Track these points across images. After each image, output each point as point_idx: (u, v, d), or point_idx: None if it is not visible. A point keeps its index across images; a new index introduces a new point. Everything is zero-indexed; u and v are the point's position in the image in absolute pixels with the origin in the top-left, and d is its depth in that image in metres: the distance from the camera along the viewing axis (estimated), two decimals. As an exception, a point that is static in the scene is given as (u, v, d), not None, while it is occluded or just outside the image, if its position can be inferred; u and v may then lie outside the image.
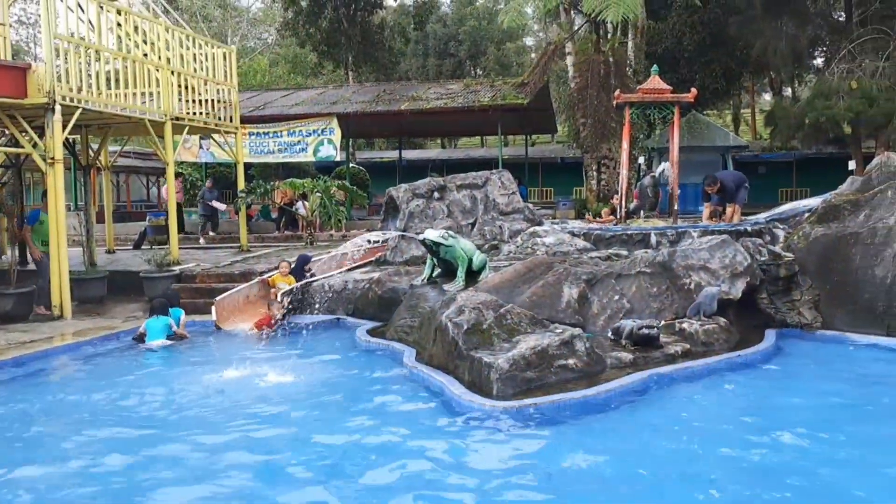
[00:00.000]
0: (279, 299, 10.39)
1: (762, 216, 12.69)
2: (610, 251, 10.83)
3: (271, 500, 4.60)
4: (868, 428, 5.86)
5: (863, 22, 22.74)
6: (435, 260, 9.89)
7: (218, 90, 15.73)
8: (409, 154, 38.74)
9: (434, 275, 10.05)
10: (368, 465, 5.12)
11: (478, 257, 9.86)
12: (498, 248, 11.82)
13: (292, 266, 11.52)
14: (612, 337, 8.19)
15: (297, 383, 7.51)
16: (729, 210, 12.73)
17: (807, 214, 11.38)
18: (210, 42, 15.84)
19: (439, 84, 26.58)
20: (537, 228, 11.75)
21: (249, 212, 18.82)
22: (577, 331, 7.50)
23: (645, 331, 7.81)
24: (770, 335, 8.93)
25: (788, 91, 38.97)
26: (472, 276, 9.78)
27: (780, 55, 23.78)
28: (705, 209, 13.16)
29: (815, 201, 12.01)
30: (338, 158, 22.73)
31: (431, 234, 9.55)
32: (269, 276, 11.46)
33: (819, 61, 28.67)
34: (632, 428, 5.82)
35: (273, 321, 9.92)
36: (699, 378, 7.26)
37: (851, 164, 22.93)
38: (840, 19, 25.82)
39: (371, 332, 9.48)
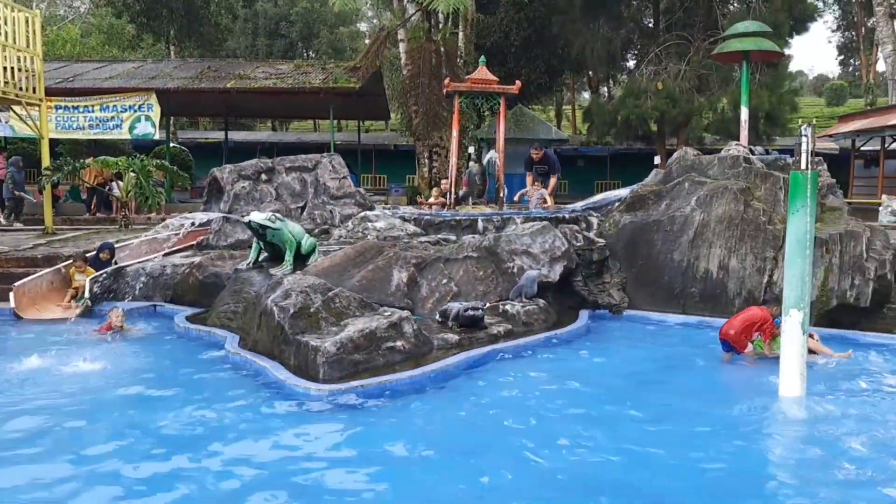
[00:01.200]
0: (86, 296, 9.58)
1: (579, 205, 13.48)
2: (439, 236, 11.03)
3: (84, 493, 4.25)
4: (660, 392, 6.50)
5: (668, 28, 24.84)
6: (261, 244, 9.56)
7: (19, 57, 14.14)
8: (237, 135, 37.17)
9: (260, 259, 9.71)
10: (187, 452, 4.85)
11: (307, 241, 9.65)
12: (328, 232, 11.65)
13: (90, 256, 10.64)
14: (440, 319, 8.36)
15: (106, 372, 6.96)
16: (553, 181, 13.55)
17: (617, 203, 12.23)
18: (9, 4, 14.18)
19: (268, 64, 25.68)
20: (368, 213, 11.71)
21: (56, 192, 17.12)
22: (406, 313, 7.57)
23: (471, 313, 8.05)
24: (583, 315, 9.55)
25: (605, 90, 41.82)
26: (301, 260, 9.56)
27: (596, 55, 25.39)
28: (528, 177, 13.77)
29: (624, 192, 12.94)
30: (157, 137, 21.30)
31: (257, 217, 9.21)
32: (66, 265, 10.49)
33: (631, 63, 30.94)
34: (456, 405, 5.98)
35: (113, 328, 8.83)
36: (520, 356, 7.61)
37: (657, 159, 25.03)
38: (650, 25, 28.01)
39: (191, 319, 8.99)
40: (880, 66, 35.26)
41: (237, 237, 11.54)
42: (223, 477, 4.51)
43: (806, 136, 5.89)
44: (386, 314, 7.45)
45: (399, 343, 7.07)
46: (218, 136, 34.92)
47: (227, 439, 5.13)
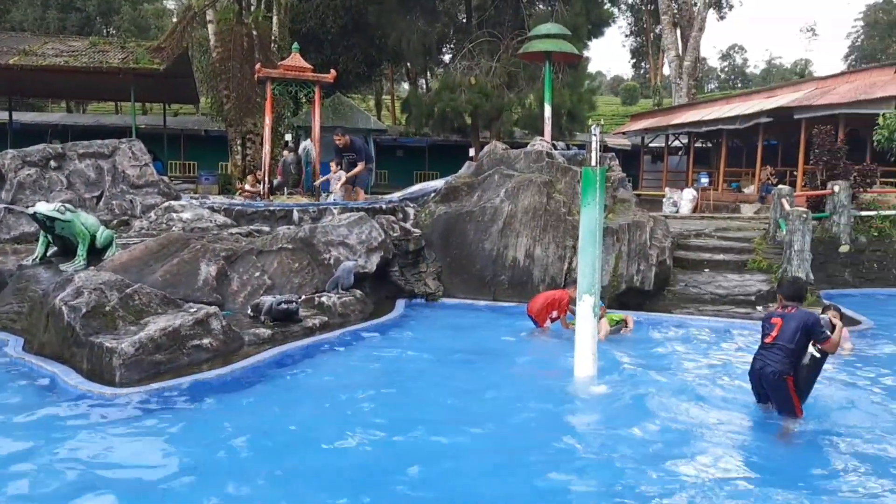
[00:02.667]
0: None
1: (396, 195, 13.66)
2: (251, 227, 10.66)
3: None
4: (468, 376, 6.78)
5: (480, 25, 25.70)
6: (49, 237, 8.70)
7: None
8: (24, 116, 33.38)
9: (49, 254, 8.85)
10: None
11: (102, 233, 8.92)
12: (128, 223, 10.85)
13: None
14: (252, 314, 8.11)
15: None
16: (359, 167, 13.04)
17: (433, 195, 12.53)
18: None
19: (60, 40, 23.35)
20: (173, 203, 11.05)
21: None
22: (214, 309, 7.26)
23: (284, 306, 7.88)
24: (400, 304, 9.72)
25: (423, 82, 42.52)
26: (96, 254, 8.82)
27: (412, 47, 25.72)
28: (332, 165, 13.30)
29: (439, 183, 13.28)
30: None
31: (44, 208, 8.37)
32: None
33: (447, 57, 31.68)
34: (267, 402, 5.84)
35: None
36: (335, 348, 7.58)
37: (471, 151, 25.89)
38: (464, 21, 28.83)
39: (-36, 323, 8.00)
40: (666, 70, 38.99)
41: (22, 230, 10.40)
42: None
43: (595, 135, 6.36)
44: (192, 311, 7.09)
45: (206, 341, 6.77)
46: (1, 116, 31.22)
47: (8, 454, 4.63)
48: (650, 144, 30.58)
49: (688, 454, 4.88)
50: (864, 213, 13.16)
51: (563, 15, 22.86)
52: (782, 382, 5.34)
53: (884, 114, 14.41)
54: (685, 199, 22.25)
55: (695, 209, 21.86)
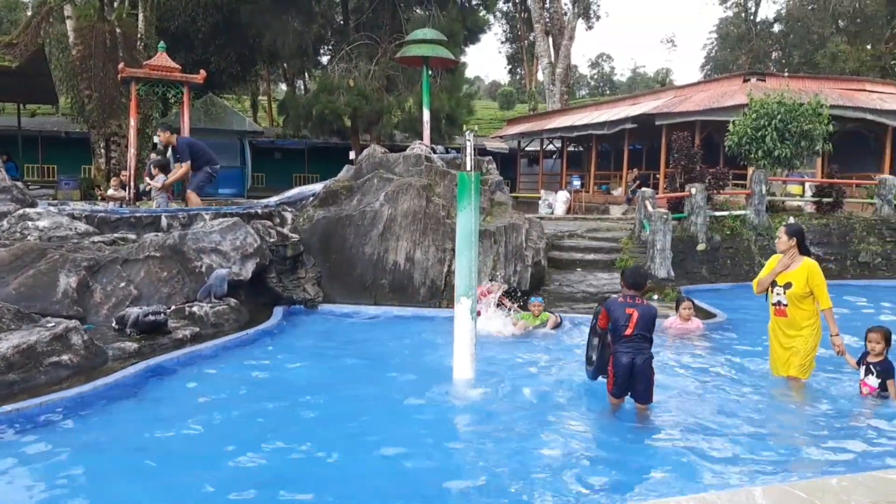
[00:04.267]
0: None
1: (273, 199, 13.35)
2: (116, 235, 10.09)
3: None
4: (349, 381, 6.74)
5: (358, 28, 25.64)
6: None
7: None
8: None
9: None
10: None
11: (-56, 245, 8.17)
12: (-24, 233, 9.98)
13: None
14: (117, 326, 7.67)
15: None
16: (181, 170, 11.86)
17: (311, 198, 12.35)
18: None
19: None
20: (29, 210, 10.27)
21: None
22: (74, 323, 6.81)
23: (151, 317, 7.52)
24: (278, 312, 9.50)
25: (301, 83, 41.78)
26: (-63, 267, 8.07)
27: (288, 48, 25.28)
28: (153, 169, 12.21)
29: (318, 186, 13.11)
30: None
31: None
32: None
33: (325, 58, 31.32)
34: (131, 420, 5.54)
35: None
36: (208, 360, 7.30)
37: (352, 154, 25.77)
38: (341, 22, 28.61)
39: None
40: (540, 76, 40.30)
41: None
42: None
43: (469, 140, 6.50)
44: (49, 325, 6.63)
45: (66, 357, 6.34)
46: None
47: None
48: (526, 148, 31.58)
49: (559, 456, 5.03)
50: (717, 214, 14.18)
51: (440, 20, 23.19)
52: (650, 369, 5.65)
53: (734, 121, 15.59)
54: (559, 201, 23.14)
55: (568, 211, 22.79)
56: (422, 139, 14.90)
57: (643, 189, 14.14)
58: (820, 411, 5.95)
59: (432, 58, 14.54)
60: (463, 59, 29.06)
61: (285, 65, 33.41)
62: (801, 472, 4.59)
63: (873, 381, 6.08)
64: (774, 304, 6.40)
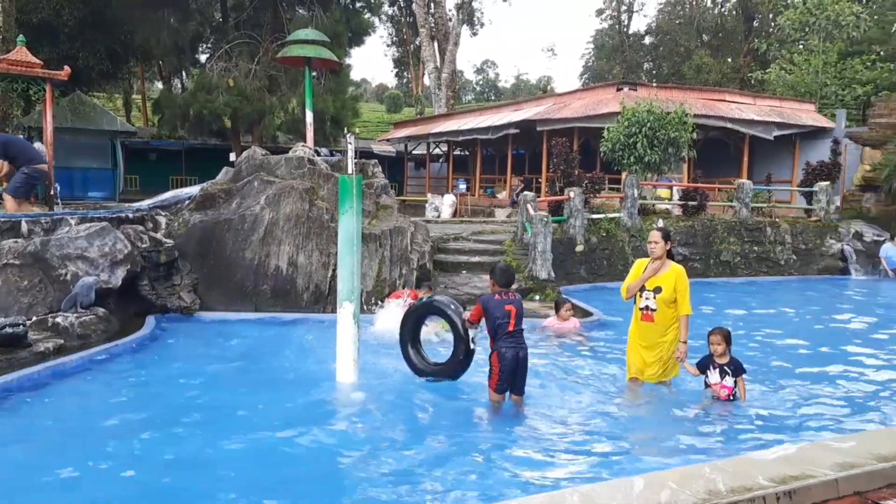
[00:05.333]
0: None
1: (145, 203, 12.70)
2: (-33, 242, 9.29)
3: None
4: (228, 389, 6.54)
5: (237, 26, 24.87)
6: None
7: None
8: None
9: None
10: None
11: None
12: None
13: None
14: (-32, 341, 7.07)
15: None
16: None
17: (188, 202, 11.86)
18: None
19: None
20: None
21: None
22: (-85, 339, 6.22)
23: (9, 330, 6.98)
24: (150, 321, 9.06)
25: (178, 81, 40.08)
26: None
27: (162, 45, 24.20)
28: None
29: (195, 189, 12.59)
30: None
31: None
32: None
33: (203, 57, 30.18)
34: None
35: None
36: (73, 373, 6.87)
37: (233, 156, 24.96)
38: (220, 20, 27.65)
39: None
40: (427, 81, 40.65)
41: None
42: None
43: (350, 143, 6.45)
44: None
45: None
46: None
47: None
48: (413, 151, 31.75)
49: (433, 457, 5.08)
50: (594, 216, 14.79)
51: (323, 21, 22.91)
52: (528, 362, 5.90)
53: (608, 128, 16.33)
54: (446, 204, 23.41)
55: (455, 214, 23.09)
56: (305, 141, 14.64)
57: (525, 193, 14.55)
58: (675, 410, 6.16)
59: (315, 59, 14.32)
60: (348, 61, 28.86)
61: (160, 62, 31.99)
62: (659, 465, 4.83)
63: (730, 381, 6.20)
64: (642, 309, 6.35)
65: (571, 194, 14.07)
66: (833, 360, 8.31)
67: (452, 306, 6.29)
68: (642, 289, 6.33)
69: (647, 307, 6.31)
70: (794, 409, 6.34)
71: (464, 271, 12.41)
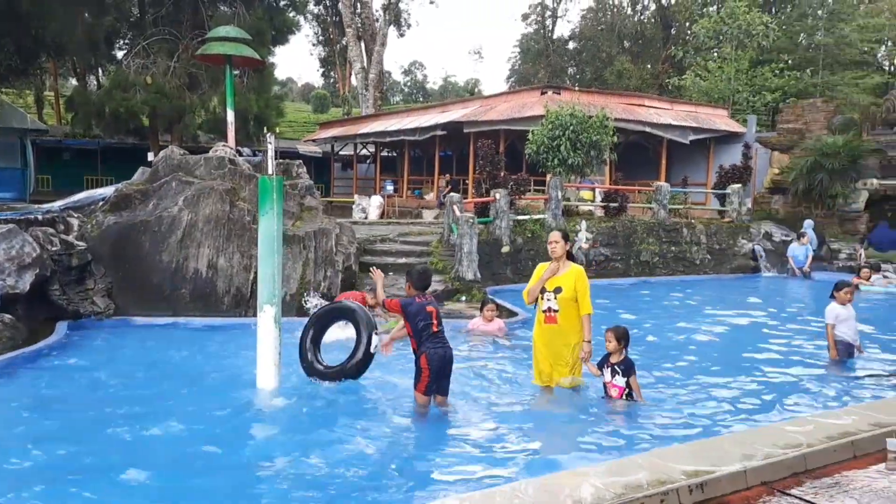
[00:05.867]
0: None
1: (57, 204, 12.15)
2: None
3: None
4: (143, 395, 6.31)
5: (156, 22, 24.05)
6: None
7: None
8: None
9: None
10: None
11: None
12: None
13: None
14: None
15: None
16: None
17: (102, 203, 11.40)
18: None
19: None
20: None
21: None
22: None
23: None
24: (61, 327, 8.68)
25: (93, 78, 38.45)
26: None
27: (76, 41, 23.15)
28: None
29: (110, 190, 12.12)
30: None
31: None
32: None
33: (120, 53, 29.06)
34: None
35: None
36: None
37: (151, 156, 24.14)
38: (138, 16, 26.69)
39: None
40: (354, 81, 40.31)
41: None
42: None
43: (270, 143, 6.33)
44: None
45: None
46: None
47: None
48: (340, 152, 31.43)
49: (349, 460, 5.04)
50: (520, 218, 14.99)
51: (246, 19, 22.43)
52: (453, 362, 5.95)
53: (532, 130, 16.59)
54: (373, 205, 23.29)
55: (382, 215, 22.99)
56: (227, 141, 14.30)
57: (451, 194, 14.61)
58: (585, 410, 6.21)
59: (236, 57, 14.00)
60: (272, 59, 28.36)
61: (74, 58, 30.60)
62: (574, 463, 4.87)
63: (620, 381, 6.20)
64: (544, 311, 6.26)
65: (497, 196, 14.22)
66: (739, 355, 8.66)
67: (361, 311, 6.47)
68: (543, 290, 6.25)
69: (549, 309, 6.24)
70: (701, 404, 6.56)
71: (391, 273, 12.32)
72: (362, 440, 5.36)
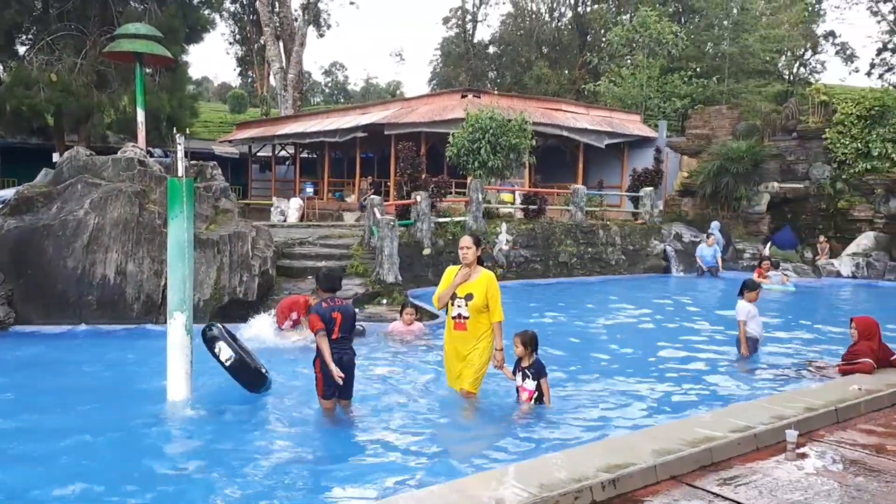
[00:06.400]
0: None
1: (-51, 208, 11.41)
2: None
3: None
4: (46, 411, 5.98)
5: (61, 17, 22.91)
6: None
7: None
8: None
9: None
10: None
11: None
12: None
13: None
14: None
15: None
16: None
17: (1, 206, 10.79)
18: None
19: None
20: None
21: None
22: None
23: None
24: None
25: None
26: None
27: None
28: None
29: (9, 192, 11.54)
30: None
31: None
32: None
33: (23, 49, 27.56)
34: None
35: None
36: None
37: (56, 157, 22.99)
38: (42, 9, 25.36)
39: None
40: (273, 81, 39.55)
41: None
42: None
43: (180, 143, 6.13)
44: None
45: None
46: None
47: None
48: (258, 153, 30.77)
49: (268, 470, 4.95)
50: (441, 220, 15.06)
51: (157, 16, 21.64)
52: (354, 365, 5.88)
53: (453, 133, 16.69)
54: (292, 208, 22.91)
55: (302, 218, 22.64)
56: (137, 141, 13.77)
57: (371, 197, 14.53)
58: (488, 415, 6.16)
59: (146, 54, 13.51)
60: (186, 58, 27.38)
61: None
62: (460, 472, 4.76)
63: (530, 384, 6.15)
64: (454, 318, 6.07)
65: (418, 198, 14.23)
66: (649, 353, 8.93)
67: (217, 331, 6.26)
68: (454, 297, 6.04)
69: (459, 315, 6.04)
70: (613, 402, 6.70)
71: (310, 276, 12.15)
72: (271, 448, 5.25)
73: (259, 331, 8.94)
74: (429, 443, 5.49)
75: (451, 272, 6.20)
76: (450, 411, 6.25)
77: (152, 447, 5.28)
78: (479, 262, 6.19)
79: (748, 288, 8.66)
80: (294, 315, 9.18)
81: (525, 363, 6.20)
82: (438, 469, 4.91)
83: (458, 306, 6.03)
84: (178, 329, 6.01)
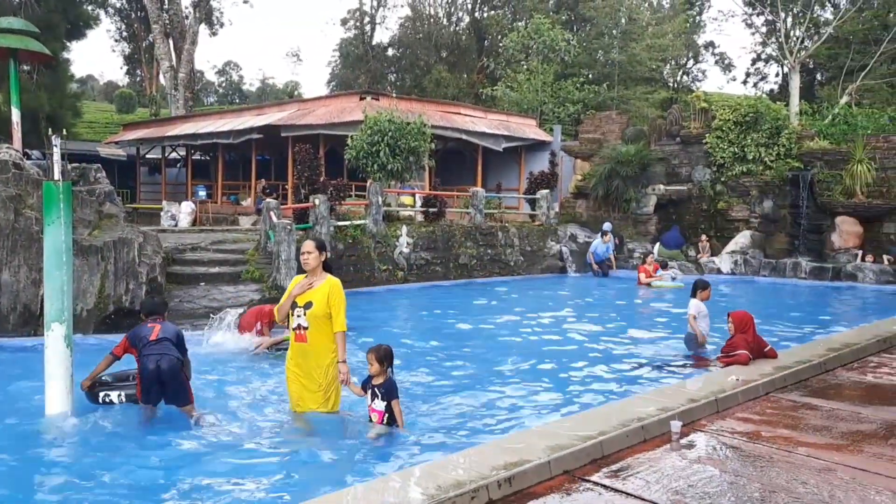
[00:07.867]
0: None
1: None
2: None
3: None
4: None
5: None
6: None
7: None
8: None
9: None
10: None
11: None
12: None
13: None
14: None
15: None
16: None
17: None
18: None
19: None
20: None
21: None
22: None
23: None
24: None
25: None
26: None
27: None
28: None
29: None
30: None
31: None
32: None
33: None
34: None
35: None
36: None
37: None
38: None
39: None
40: (163, 80, 37.95)
41: None
42: None
43: (56, 145, 5.78)
44: None
45: None
46: None
47: None
48: (147, 156, 29.45)
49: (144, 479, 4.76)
50: (341, 223, 14.90)
51: (35, 10, 20.40)
52: (178, 371, 5.81)
53: (352, 136, 16.56)
54: (184, 212, 22.07)
55: (194, 222, 21.84)
56: (12, 143, 12.89)
57: (267, 200, 14.19)
58: (333, 437, 5.55)
59: (22, 51, 12.68)
60: (67, 55, 25.95)
61: None
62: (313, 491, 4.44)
63: (379, 405, 5.59)
64: (294, 329, 5.58)
65: (317, 201, 14.03)
66: (542, 350, 9.17)
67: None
68: (294, 306, 5.56)
69: (299, 326, 5.54)
70: (509, 400, 6.81)
71: (202, 283, 11.75)
72: (135, 461, 5.06)
73: (222, 339, 9.07)
74: (266, 464, 5.12)
75: (297, 280, 5.75)
76: (289, 433, 5.73)
77: (26, 465, 4.96)
78: (327, 268, 5.72)
79: (700, 287, 9.24)
80: (258, 326, 9.12)
81: (377, 381, 5.60)
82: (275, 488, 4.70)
83: (298, 316, 5.54)
84: (56, 341, 5.66)
